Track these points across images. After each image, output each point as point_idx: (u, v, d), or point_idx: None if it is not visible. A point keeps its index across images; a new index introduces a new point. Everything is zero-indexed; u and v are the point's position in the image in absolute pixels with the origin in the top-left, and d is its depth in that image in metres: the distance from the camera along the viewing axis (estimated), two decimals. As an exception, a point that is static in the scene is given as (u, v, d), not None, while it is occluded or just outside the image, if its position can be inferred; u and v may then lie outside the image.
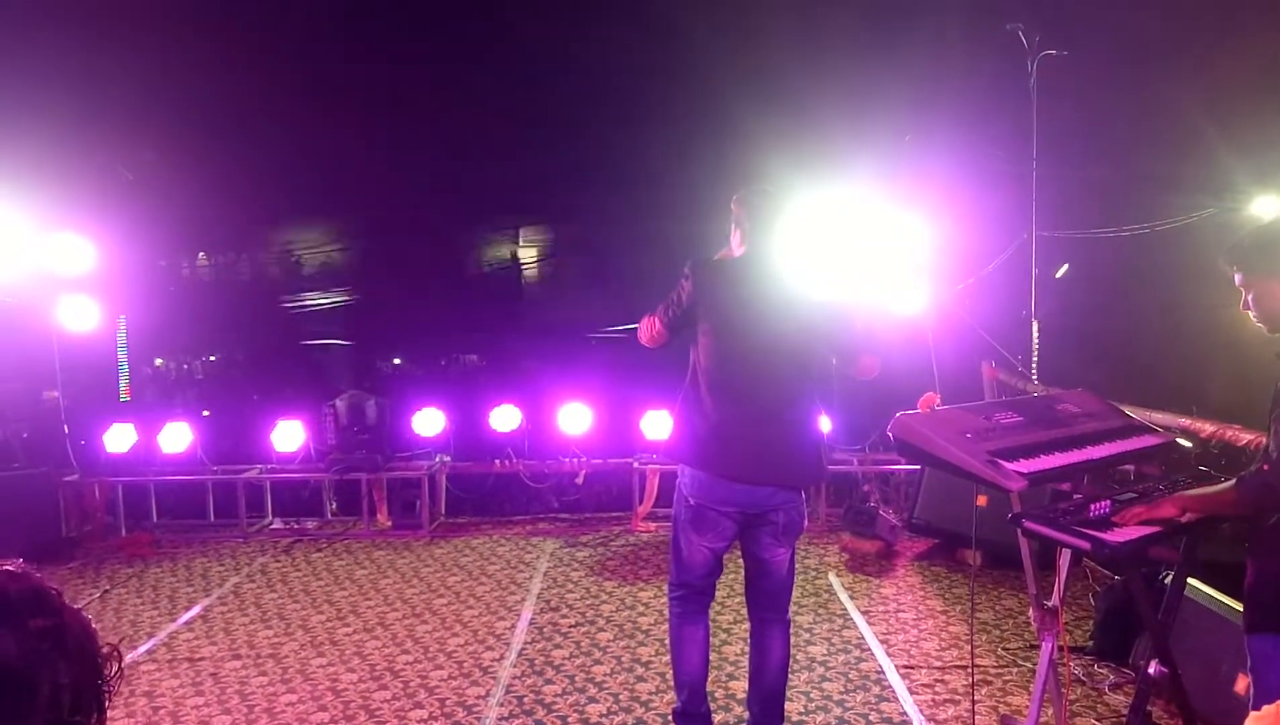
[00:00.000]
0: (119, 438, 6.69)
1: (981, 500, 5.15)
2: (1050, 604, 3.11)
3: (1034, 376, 6.43)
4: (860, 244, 6.27)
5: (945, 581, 5.29)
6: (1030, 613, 3.05)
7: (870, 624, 4.66)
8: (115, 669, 0.88)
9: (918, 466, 6.02)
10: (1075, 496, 3.09)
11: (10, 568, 0.83)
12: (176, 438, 6.71)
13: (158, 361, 12.62)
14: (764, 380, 3.20)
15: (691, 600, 3.42)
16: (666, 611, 4.73)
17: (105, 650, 0.87)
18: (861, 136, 7.06)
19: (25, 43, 7.04)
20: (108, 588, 5.51)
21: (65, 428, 6.76)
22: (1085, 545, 2.45)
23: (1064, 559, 3.08)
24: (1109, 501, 2.68)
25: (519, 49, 9.25)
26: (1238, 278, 2.37)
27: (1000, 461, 3.01)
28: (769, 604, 3.40)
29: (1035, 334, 6.60)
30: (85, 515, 6.57)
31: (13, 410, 6.77)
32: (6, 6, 6.97)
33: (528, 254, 15.01)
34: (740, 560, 3.45)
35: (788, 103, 7.33)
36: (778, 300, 3.27)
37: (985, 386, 6.26)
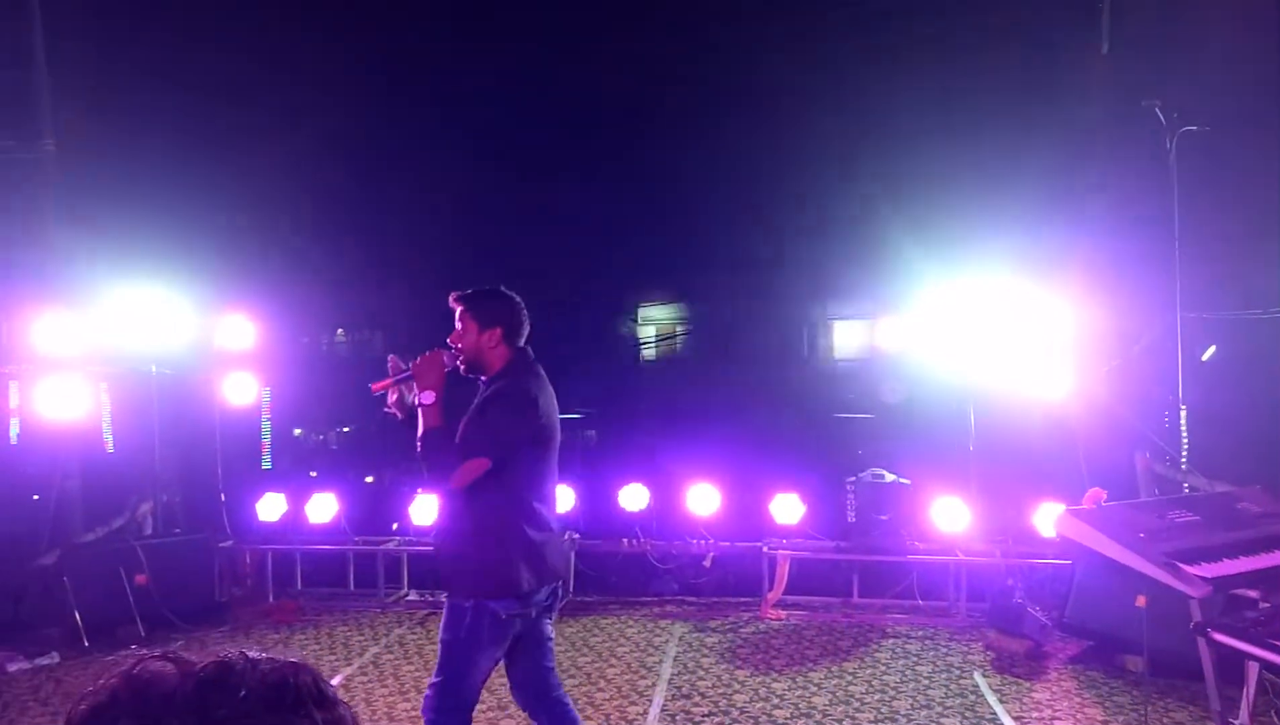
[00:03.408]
0: (270, 506, 7.03)
1: (1141, 601, 4.85)
2: (1237, 722, 2.89)
3: (1185, 467, 6.06)
4: (1000, 328, 6.13)
5: (1104, 688, 4.96)
6: (1218, 731, 2.84)
7: (1024, 731, 4.40)
8: None
9: (1068, 561, 5.73)
10: (1262, 605, 2.90)
11: (295, 660, 0.89)
12: (323, 508, 7.02)
13: (296, 432, 13.29)
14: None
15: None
16: (791, 707, 4.59)
17: None
18: (997, 218, 6.95)
19: (190, 142, 7.71)
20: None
21: (222, 496, 7.16)
22: (1290, 662, 2.28)
23: (1253, 673, 2.87)
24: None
25: (661, 131, 9.53)
26: None
27: (1179, 564, 2.86)
28: (556, 681, 3.40)
29: (1184, 421, 6.25)
30: (236, 580, 6.91)
31: (175, 478, 7.24)
32: (175, 104, 7.64)
33: (646, 332, 15.23)
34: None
35: (921, 187, 7.30)
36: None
37: (1140, 479, 5.93)
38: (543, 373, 3.37)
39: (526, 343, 3.39)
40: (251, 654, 0.86)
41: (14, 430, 7.11)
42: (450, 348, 3.28)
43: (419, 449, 3.18)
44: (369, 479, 8.23)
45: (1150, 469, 5.99)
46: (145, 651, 0.88)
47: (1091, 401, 6.50)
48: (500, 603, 3.14)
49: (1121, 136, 7.01)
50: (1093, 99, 7.44)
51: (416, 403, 3.22)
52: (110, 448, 7.42)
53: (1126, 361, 6.95)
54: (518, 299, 3.35)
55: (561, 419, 3.44)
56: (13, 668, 5.44)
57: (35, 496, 6.86)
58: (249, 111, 8.14)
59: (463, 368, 3.27)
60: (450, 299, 3.33)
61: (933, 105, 7.71)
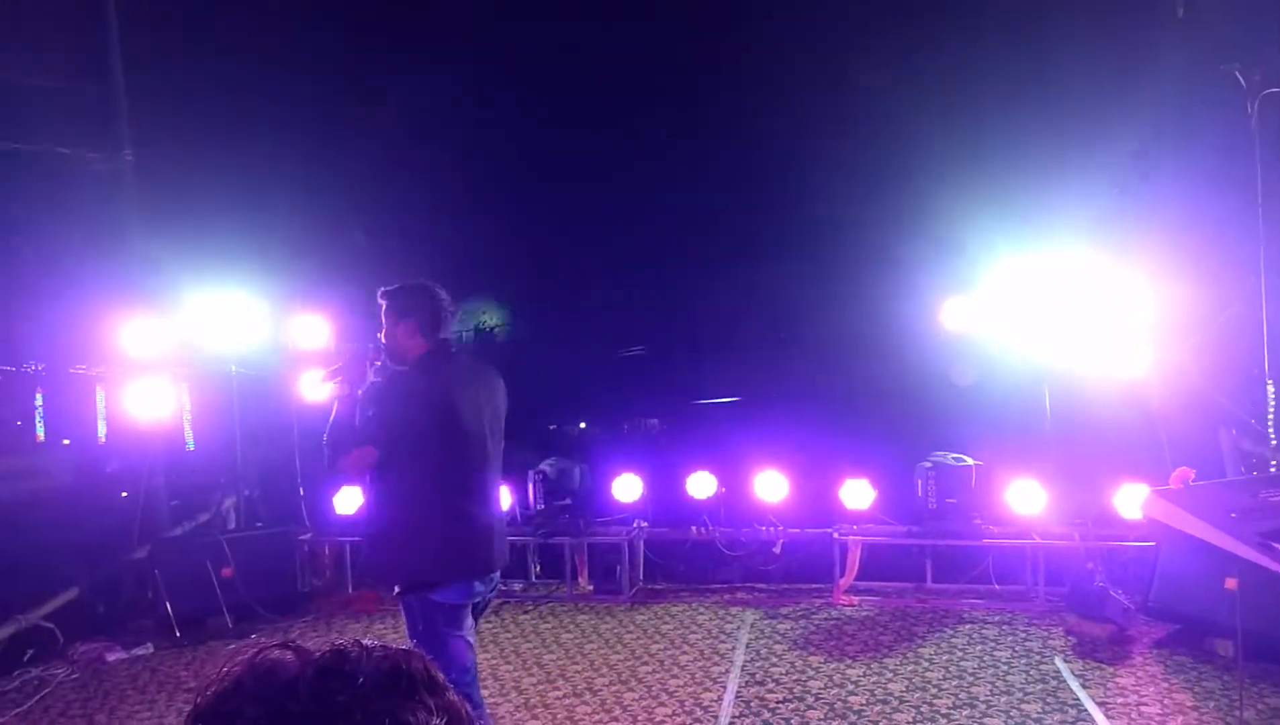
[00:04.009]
0: (346, 499, 7.21)
1: (1232, 583, 4.69)
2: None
3: (1275, 442, 5.82)
4: (1074, 303, 5.96)
5: (1192, 673, 4.81)
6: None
7: (1109, 718, 4.29)
8: None
9: (1151, 543, 5.56)
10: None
11: (407, 648, 0.92)
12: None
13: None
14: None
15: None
16: (867, 693, 4.57)
17: None
18: (1070, 190, 6.74)
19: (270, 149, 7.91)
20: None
21: (300, 490, 7.37)
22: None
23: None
24: None
25: (716, 119, 9.46)
26: None
27: (1274, 544, 2.76)
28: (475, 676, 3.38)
29: (1271, 395, 5.99)
30: (316, 571, 7.11)
31: (255, 474, 7.48)
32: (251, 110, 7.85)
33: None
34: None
35: (991, 160, 7.10)
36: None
37: (1226, 457, 5.72)
38: (468, 365, 3.38)
39: (449, 334, 3.40)
40: (366, 642, 0.89)
41: (101, 430, 7.42)
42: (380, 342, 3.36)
43: (324, 438, 3.26)
44: None
45: (1238, 446, 5.77)
46: (264, 639, 0.91)
47: (1173, 377, 6.28)
48: (440, 593, 3.15)
49: (1199, 102, 6.75)
50: (1169, 65, 7.16)
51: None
52: (191, 445, 7.70)
53: (1209, 334, 6.70)
54: (439, 293, 3.35)
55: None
56: (111, 658, 5.70)
57: (124, 493, 7.16)
58: (317, 117, 8.33)
59: (385, 360, 3.34)
60: (378, 294, 3.38)
61: (1004, 74, 7.50)
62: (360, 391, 3.25)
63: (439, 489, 3.20)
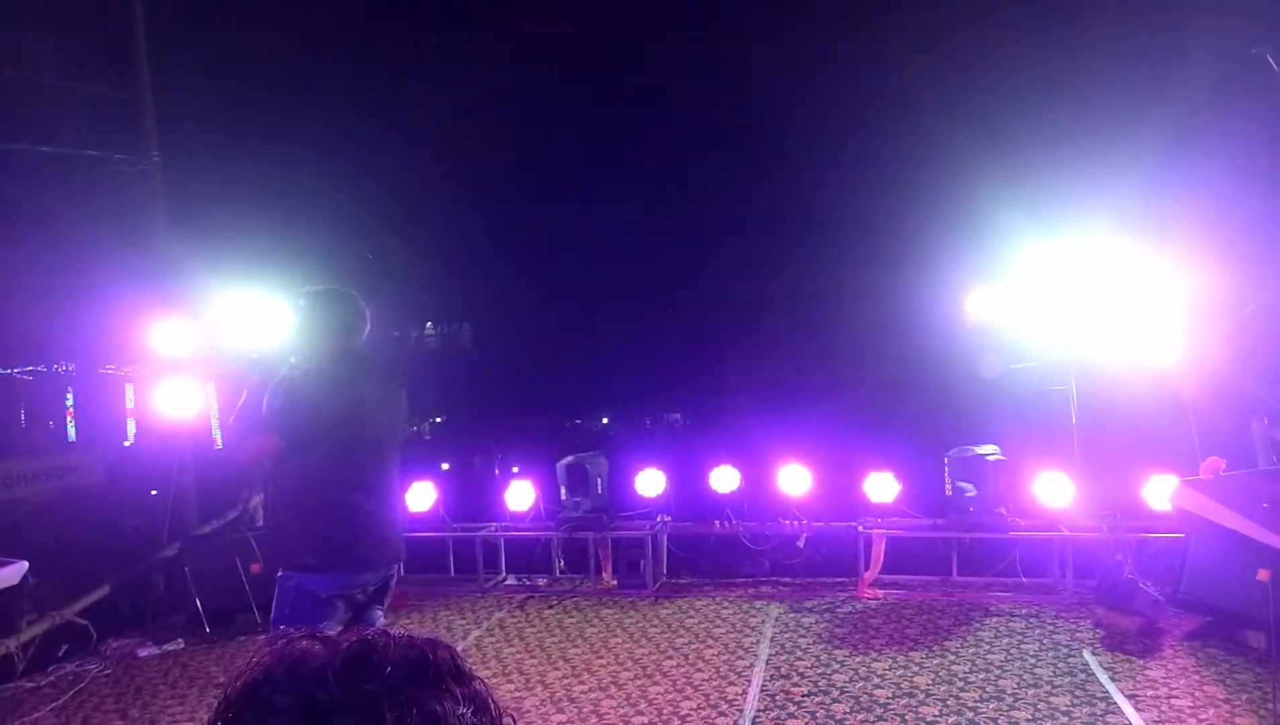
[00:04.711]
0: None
1: (1264, 574, 4.61)
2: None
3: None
4: (1102, 292, 5.87)
5: (1224, 665, 4.74)
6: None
7: (1139, 711, 4.24)
8: None
9: (1181, 534, 5.49)
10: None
11: (434, 638, 0.92)
12: (422, 496, 7.22)
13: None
14: None
15: None
16: (893, 687, 4.54)
17: (506, 718, 0.95)
18: (1099, 177, 6.66)
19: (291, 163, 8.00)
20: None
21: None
22: None
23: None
24: None
25: (741, 113, 9.46)
26: None
27: (1308, 535, 2.70)
28: None
29: (1302, 384, 5.89)
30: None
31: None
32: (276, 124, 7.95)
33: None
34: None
35: (1020, 148, 7.04)
36: None
37: (1258, 447, 5.62)
38: (370, 370, 3.48)
39: (362, 337, 3.50)
40: (393, 632, 0.90)
41: (131, 429, 7.52)
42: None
43: (229, 423, 3.54)
44: (444, 466, 8.38)
45: (1269, 435, 5.67)
46: (292, 631, 0.92)
47: (1202, 367, 6.18)
48: (310, 579, 3.27)
49: (1231, 86, 6.64)
50: (1200, 49, 7.06)
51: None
52: (220, 444, 7.79)
53: (1239, 323, 6.59)
54: (356, 301, 3.47)
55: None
56: (143, 653, 5.78)
57: (154, 492, 7.25)
58: (339, 119, 8.40)
59: (298, 360, 3.47)
60: (299, 295, 3.53)
61: (1031, 61, 7.42)
62: (272, 383, 3.40)
63: (323, 482, 3.35)
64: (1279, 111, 5.81)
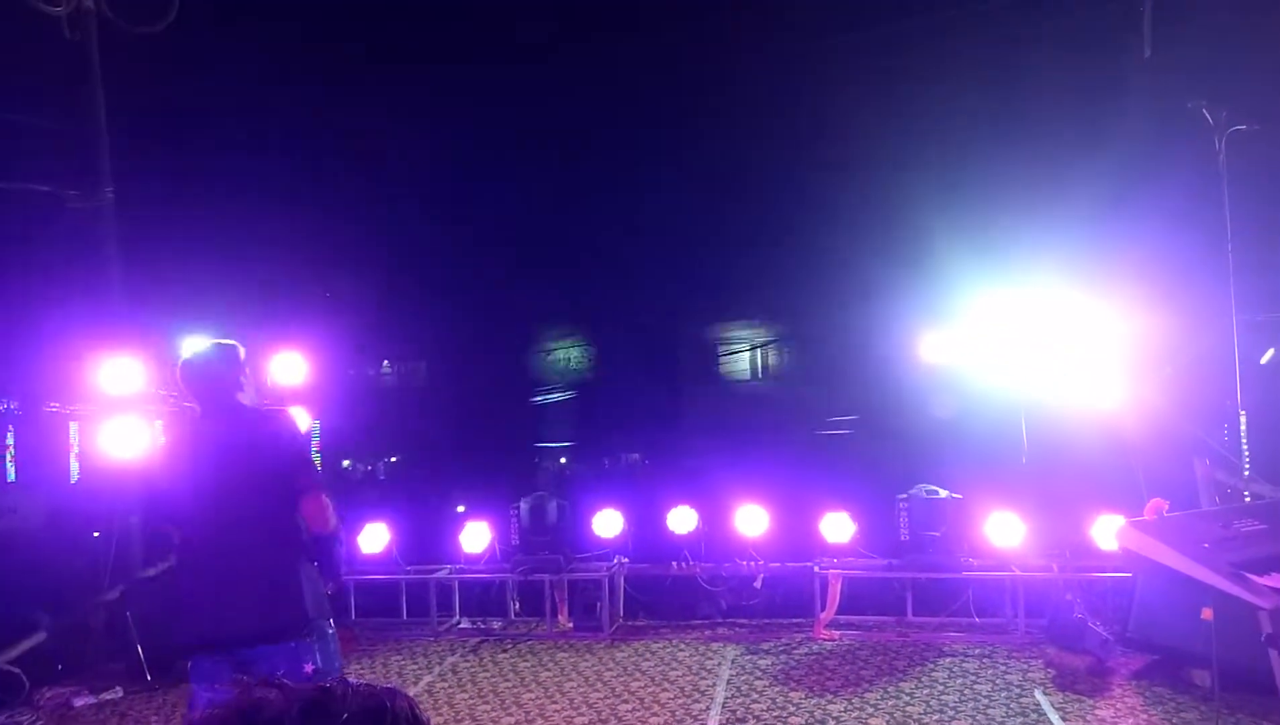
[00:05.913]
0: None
1: (1207, 613, 4.70)
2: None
3: (1247, 473, 5.88)
4: (1050, 337, 6.03)
5: (1170, 704, 4.81)
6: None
7: (1090, 750, 4.28)
8: None
9: (1129, 574, 5.59)
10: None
11: (391, 686, 0.92)
12: (374, 538, 7.10)
13: (345, 463, 13.49)
14: None
15: None
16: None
17: None
18: (1044, 226, 6.86)
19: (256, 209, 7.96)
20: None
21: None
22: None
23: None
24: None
25: (696, 151, 9.61)
26: None
27: (1247, 574, 2.78)
28: None
29: (1244, 426, 6.07)
30: (292, 611, 6.99)
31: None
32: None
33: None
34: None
35: (966, 197, 7.24)
36: None
37: (1200, 487, 5.77)
38: (198, 428, 3.28)
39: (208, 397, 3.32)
40: (351, 680, 0.89)
41: (74, 468, 7.32)
42: None
43: None
44: (461, 508, 8.17)
45: (1211, 476, 5.83)
46: (249, 679, 0.91)
47: (1146, 410, 6.35)
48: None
49: (1168, 140, 6.90)
50: (1137, 103, 7.34)
51: None
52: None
53: (1181, 368, 6.80)
54: (196, 360, 3.31)
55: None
56: (79, 703, 5.57)
57: (96, 533, 7.04)
58: (294, 159, 8.39)
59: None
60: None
61: (976, 115, 7.66)
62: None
63: (186, 540, 3.19)
64: (1214, 163, 6.06)
